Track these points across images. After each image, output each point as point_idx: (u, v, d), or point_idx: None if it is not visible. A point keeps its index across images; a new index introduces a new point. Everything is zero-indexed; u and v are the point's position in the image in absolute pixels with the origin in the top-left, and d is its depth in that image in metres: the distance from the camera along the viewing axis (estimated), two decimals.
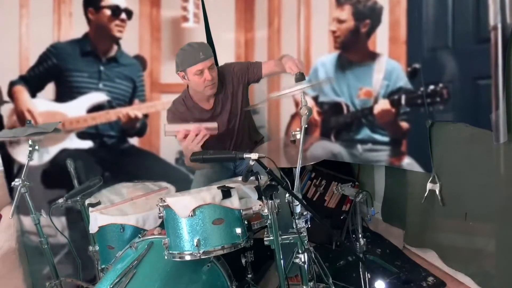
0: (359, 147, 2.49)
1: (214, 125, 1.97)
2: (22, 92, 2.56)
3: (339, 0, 2.41)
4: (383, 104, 2.33)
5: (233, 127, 2.33)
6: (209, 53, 2.10)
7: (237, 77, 2.29)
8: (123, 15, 2.65)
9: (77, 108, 2.64)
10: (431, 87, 2.09)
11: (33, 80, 2.58)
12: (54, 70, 2.60)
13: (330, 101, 2.56)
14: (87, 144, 2.68)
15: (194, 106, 2.24)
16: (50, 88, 2.61)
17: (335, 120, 2.57)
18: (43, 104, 2.59)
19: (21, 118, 2.56)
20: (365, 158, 2.51)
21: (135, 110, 2.75)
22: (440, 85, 2.06)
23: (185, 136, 1.93)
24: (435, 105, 2.10)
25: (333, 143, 2.58)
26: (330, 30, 2.46)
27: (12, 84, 2.55)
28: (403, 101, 2.24)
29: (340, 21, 2.41)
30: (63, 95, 2.63)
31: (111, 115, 2.70)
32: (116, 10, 2.64)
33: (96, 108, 2.68)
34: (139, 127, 2.77)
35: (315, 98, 2.62)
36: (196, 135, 1.93)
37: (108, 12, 2.62)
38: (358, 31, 2.36)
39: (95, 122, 2.68)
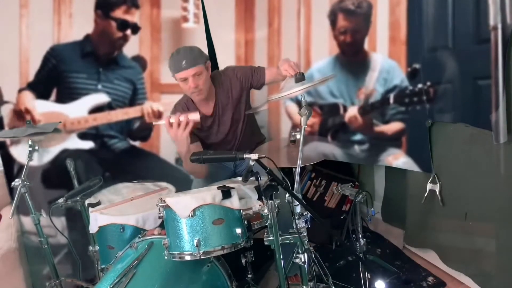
0: (356, 147, 2.49)
1: (196, 114, 2.02)
2: (26, 94, 2.56)
3: (333, 15, 2.43)
4: (351, 111, 2.43)
5: (235, 132, 2.33)
6: (194, 62, 2.06)
7: (240, 83, 2.27)
8: (129, 31, 2.65)
9: (78, 109, 2.64)
10: (431, 87, 2.09)
11: (40, 87, 2.58)
12: (54, 72, 2.59)
13: (327, 103, 2.57)
14: (88, 144, 2.68)
15: (195, 110, 2.23)
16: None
17: (332, 121, 2.58)
18: (44, 105, 2.60)
19: (22, 119, 2.56)
20: (363, 158, 2.51)
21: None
22: (440, 85, 2.06)
23: (172, 125, 1.99)
24: (435, 105, 2.10)
25: (325, 144, 2.58)
26: (333, 38, 2.49)
27: (19, 91, 2.56)
28: (401, 100, 2.24)
29: (339, 32, 2.44)
30: (63, 97, 2.63)
31: (112, 115, 2.70)
32: (123, 25, 2.63)
33: (97, 109, 2.67)
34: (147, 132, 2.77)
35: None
36: (179, 124, 1.98)
37: (114, 24, 2.62)
38: (355, 33, 2.37)
39: (96, 123, 2.68)
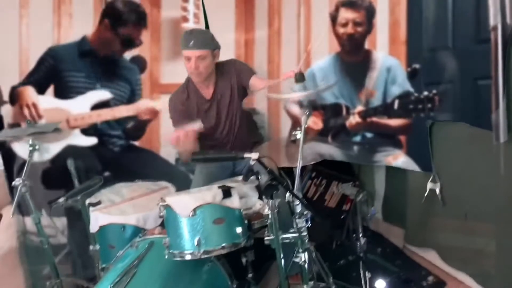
0: (355, 147, 2.49)
1: (198, 124, 2.03)
2: (27, 89, 2.56)
3: (335, 11, 2.43)
4: (355, 118, 2.42)
5: (231, 124, 2.33)
6: (201, 45, 2.10)
7: (236, 76, 2.29)
8: (131, 47, 2.69)
9: (81, 106, 2.65)
10: (431, 87, 2.09)
11: (37, 83, 2.59)
12: (52, 72, 2.61)
13: (329, 104, 2.57)
14: (88, 144, 2.68)
15: (195, 92, 2.26)
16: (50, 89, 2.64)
17: (334, 122, 2.58)
18: (47, 101, 2.60)
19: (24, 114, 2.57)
20: (363, 158, 2.51)
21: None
22: (440, 86, 2.06)
23: (178, 140, 1.95)
24: (435, 105, 2.10)
25: (322, 144, 2.58)
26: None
27: (14, 87, 2.56)
28: (406, 106, 2.23)
29: (341, 25, 2.43)
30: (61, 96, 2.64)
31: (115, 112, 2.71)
32: (128, 42, 2.65)
33: (99, 105, 2.68)
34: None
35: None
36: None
37: (119, 39, 2.64)
38: (357, 25, 2.36)
39: (100, 119, 2.68)
